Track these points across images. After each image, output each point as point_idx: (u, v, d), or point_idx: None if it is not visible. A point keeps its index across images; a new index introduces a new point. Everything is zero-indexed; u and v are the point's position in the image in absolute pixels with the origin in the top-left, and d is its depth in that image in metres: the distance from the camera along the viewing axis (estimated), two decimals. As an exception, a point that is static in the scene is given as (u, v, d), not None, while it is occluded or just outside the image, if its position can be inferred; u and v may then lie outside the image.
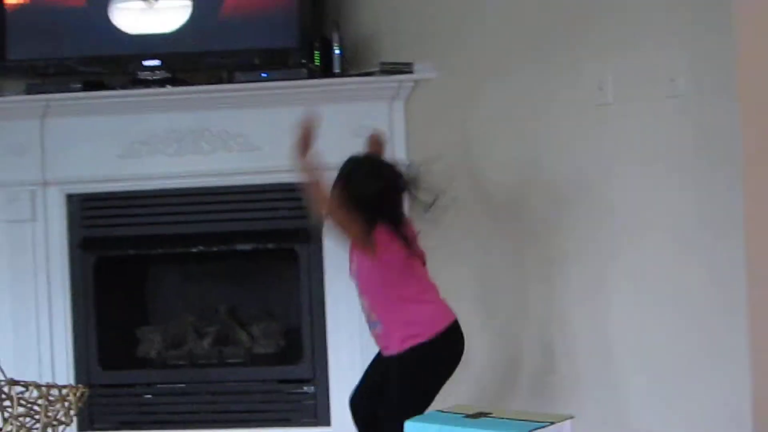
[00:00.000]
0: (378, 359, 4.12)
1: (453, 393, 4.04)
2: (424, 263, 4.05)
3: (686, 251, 4.12)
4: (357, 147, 4.83)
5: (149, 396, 5.29)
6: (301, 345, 5.17)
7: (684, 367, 4.16)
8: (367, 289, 4.01)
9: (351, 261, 4.05)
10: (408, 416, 3.87)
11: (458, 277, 4.79)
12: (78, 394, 1.97)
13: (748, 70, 3.86)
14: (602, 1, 4.35)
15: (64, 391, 1.96)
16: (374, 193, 3.93)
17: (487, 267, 4.91)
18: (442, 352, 3.98)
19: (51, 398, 1.94)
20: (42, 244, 5.18)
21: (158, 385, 5.30)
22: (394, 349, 3.96)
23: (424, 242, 4.08)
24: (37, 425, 1.93)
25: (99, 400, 5.00)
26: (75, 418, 2.85)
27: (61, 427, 1.95)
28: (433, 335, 3.92)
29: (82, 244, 5.21)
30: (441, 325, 3.94)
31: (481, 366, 4.88)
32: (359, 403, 4.12)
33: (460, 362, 4.00)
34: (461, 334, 3.99)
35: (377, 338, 4.05)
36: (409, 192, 3.98)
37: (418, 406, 3.88)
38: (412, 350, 3.92)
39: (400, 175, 4.01)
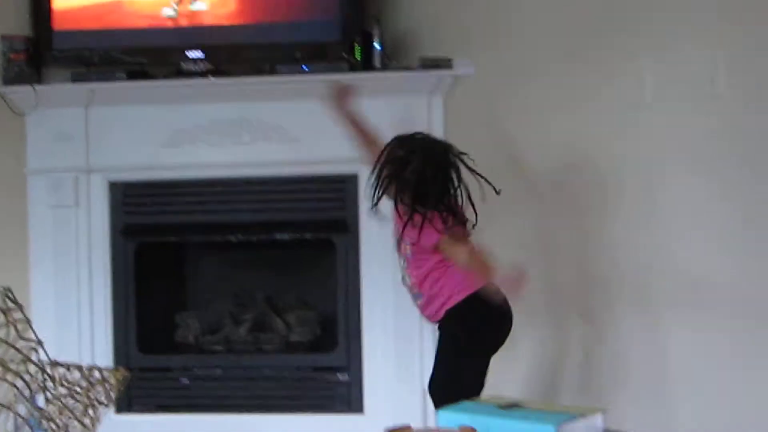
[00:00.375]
0: None
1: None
2: (465, 226, 4.03)
3: (731, 253, 4.11)
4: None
5: (186, 380, 5.32)
6: (336, 334, 5.20)
7: (729, 375, 4.15)
8: (415, 266, 4.03)
9: (400, 237, 4.06)
10: (457, 384, 3.92)
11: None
12: (119, 376, 1.99)
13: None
14: (643, 0, 4.34)
15: (106, 374, 1.98)
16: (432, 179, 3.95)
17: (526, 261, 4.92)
18: (479, 311, 3.95)
19: (92, 380, 1.96)
20: (84, 229, 5.21)
21: (195, 370, 5.33)
22: (435, 319, 4.04)
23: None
24: (79, 406, 1.94)
25: (137, 383, 5.02)
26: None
27: (101, 408, 1.97)
28: (466, 295, 3.93)
29: (124, 230, 5.24)
30: (474, 287, 3.93)
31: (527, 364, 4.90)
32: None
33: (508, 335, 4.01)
34: (504, 298, 3.94)
35: (421, 309, 4.10)
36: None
37: (465, 371, 3.95)
38: (448, 314, 3.96)
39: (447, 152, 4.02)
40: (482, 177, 4.00)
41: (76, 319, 5.21)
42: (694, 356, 4.29)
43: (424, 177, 3.94)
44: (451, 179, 3.98)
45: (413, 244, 3.98)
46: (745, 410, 4.08)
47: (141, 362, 5.12)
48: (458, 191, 3.99)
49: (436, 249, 3.94)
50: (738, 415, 4.08)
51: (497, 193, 3.92)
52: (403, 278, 4.12)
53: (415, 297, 4.09)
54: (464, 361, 3.97)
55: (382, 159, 4.01)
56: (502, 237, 4.87)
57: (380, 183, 3.98)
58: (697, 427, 4.21)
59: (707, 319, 4.22)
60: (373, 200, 3.99)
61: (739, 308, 4.05)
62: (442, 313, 3.98)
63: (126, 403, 5.16)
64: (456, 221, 3.95)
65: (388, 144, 4.06)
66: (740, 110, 3.99)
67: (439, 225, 3.90)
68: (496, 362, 3.99)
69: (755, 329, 3.98)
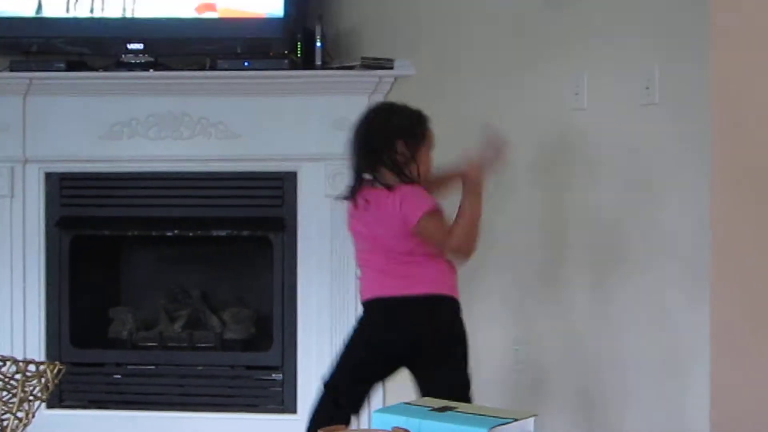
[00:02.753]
0: None
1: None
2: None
3: (658, 255, 4.15)
4: (335, 139, 4.87)
5: (119, 376, 5.31)
6: (272, 332, 5.21)
7: (646, 371, 4.19)
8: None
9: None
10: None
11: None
12: (55, 370, 2.00)
13: (721, 80, 3.91)
14: (580, 5, 4.37)
15: (42, 367, 1.99)
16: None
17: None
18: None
19: (29, 373, 1.96)
20: (19, 221, 5.18)
21: (128, 366, 5.32)
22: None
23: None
24: (14, 400, 1.95)
25: (69, 378, 4.97)
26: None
27: (36, 403, 1.98)
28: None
29: (59, 222, 5.22)
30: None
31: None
32: None
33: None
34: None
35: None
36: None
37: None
38: None
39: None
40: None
41: (8, 312, 5.17)
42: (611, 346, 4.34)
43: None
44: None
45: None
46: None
47: (73, 357, 5.06)
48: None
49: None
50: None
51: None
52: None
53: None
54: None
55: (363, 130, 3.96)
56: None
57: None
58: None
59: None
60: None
61: (671, 309, 4.11)
62: None
63: (57, 398, 5.13)
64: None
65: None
66: (674, 117, 4.03)
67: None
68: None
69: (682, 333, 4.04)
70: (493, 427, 2.08)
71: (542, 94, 4.55)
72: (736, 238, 3.97)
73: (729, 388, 3.92)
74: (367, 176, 3.91)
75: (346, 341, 4.00)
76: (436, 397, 3.70)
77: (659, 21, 4.07)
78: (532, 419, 2.17)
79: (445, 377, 3.83)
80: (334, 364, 4.01)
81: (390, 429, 2.01)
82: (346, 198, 3.95)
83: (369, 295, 3.95)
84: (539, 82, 4.56)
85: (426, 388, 3.78)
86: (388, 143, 3.87)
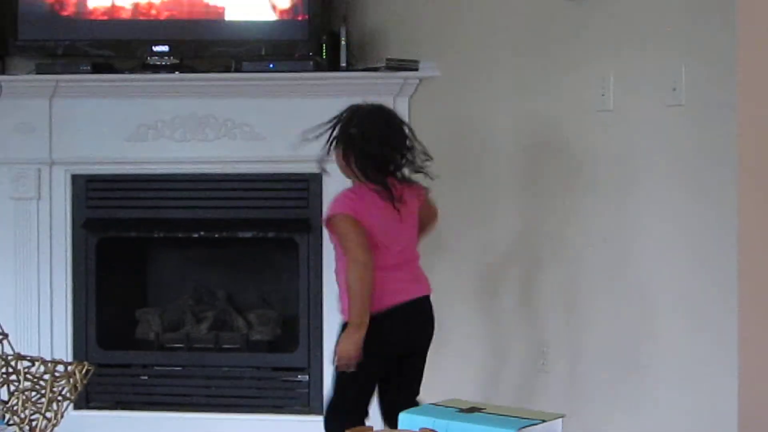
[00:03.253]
0: None
1: (451, 384, 4.07)
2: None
3: (683, 256, 4.13)
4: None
5: (145, 377, 5.34)
6: (297, 334, 5.22)
7: (673, 380, 4.17)
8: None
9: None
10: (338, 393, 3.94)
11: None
12: (83, 370, 2.01)
13: (748, 81, 3.89)
14: (606, 7, 4.36)
15: (70, 368, 2.00)
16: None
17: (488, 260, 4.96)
18: (378, 331, 3.90)
19: (57, 374, 1.98)
20: (46, 222, 5.21)
21: (155, 367, 5.35)
22: (343, 316, 3.99)
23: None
24: (42, 400, 1.96)
25: (96, 379, 4.96)
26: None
27: (65, 403, 1.99)
28: (378, 310, 3.89)
29: (86, 224, 5.24)
30: (391, 302, 3.92)
31: (476, 359, 4.95)
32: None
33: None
34: (410, 315, 3.97)
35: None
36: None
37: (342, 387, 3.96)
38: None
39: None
40: (426, 154, 4.00)
41: (35, 313, 5.20)
42: (640, 347, 4.31)
43: (375, 141, 3.89)
44: (395, 147, 3.94)
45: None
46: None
47: (100, 358, 5.09)
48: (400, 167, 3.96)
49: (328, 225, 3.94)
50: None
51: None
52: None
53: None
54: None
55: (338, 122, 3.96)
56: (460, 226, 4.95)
57: (334, 141, 3.94)
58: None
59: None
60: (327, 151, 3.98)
61: (698, 310, 4.08)
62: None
63: (84, 399, 5.15)
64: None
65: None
66: (701, 120, 4.01)
67: (363, 196, 3.87)
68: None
69: (710, 335, 4.01)
70: (521, 428, 2.08)
71: (568, 95, 4.54)
72: (764, 240, 3.95)
73: (757, 392, 3.91)
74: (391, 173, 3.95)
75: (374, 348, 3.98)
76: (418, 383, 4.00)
77: (686, 21, 4.06)
78: (560, 420, 2.17)
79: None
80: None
81: (417, 430, 2.01)
82: (386, 196, 3.91)
83: (418, 294, 3.98)
84: (565, 84, 4.54)
85: (417, 378, 4.06)
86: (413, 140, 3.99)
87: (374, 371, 3.99)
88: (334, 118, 3.96)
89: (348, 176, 3.98)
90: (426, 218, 4.15)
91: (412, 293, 3.98)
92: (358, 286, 3.84)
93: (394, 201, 3.88)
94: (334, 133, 3.93)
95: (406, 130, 4.00)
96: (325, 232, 4.36)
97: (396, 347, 4.00)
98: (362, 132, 3.90)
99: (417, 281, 4.02)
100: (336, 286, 4.06)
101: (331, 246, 4.17)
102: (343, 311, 4.00)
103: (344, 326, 3.97)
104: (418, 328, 4.04)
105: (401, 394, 3.98)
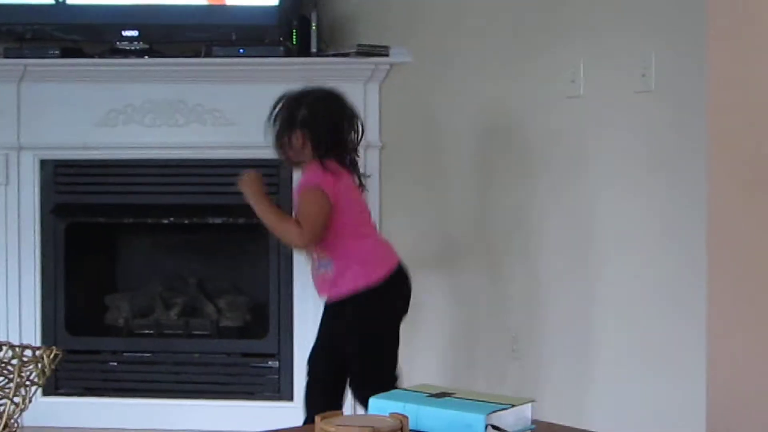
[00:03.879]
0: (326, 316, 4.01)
1: (421, 369, 4.05)
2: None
3: (653, 240, 4.15)
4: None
5: (115, 363, 5.33)
6: (267, 320, 5.22)
7: (641, 363, 4.19)
8: None
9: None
10: (382, 365, 3.87)
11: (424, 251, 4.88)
12: (51, 355, 2.00)
13: (717, 67, 3.91)
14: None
15: (38, 353, 1.99)
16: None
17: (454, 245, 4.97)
18: (392, 292, 3.86)
19: (25, 359, 1.97)
20: (14, 208, 5.19)
21: (124, 353, 5.34)
22: (344, 289, 3.81)
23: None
24: (10, 385, 1.96)
25: (64, 365, 4.95)
26: (43, 382, 2.87)
27: (33, 388, 1.98)
28: (386, 274, 3.83)
29: (54, 209, 5.22)
30: (392, 263, 3.87)
31: (445, 345, 4.96)
32: (318, 364, 4.01)
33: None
34: (407, 274, 3.92)
35: (324, 281, 3.87)
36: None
37: (386, 351, 3.88)
38: (367, 289, 3.79)
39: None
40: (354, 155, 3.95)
41: (3, 299, 5.19)
42: (609, 340, 4.32)
43: (331, 118, 3.86)
44: (346, 127, 3.90)
45: None
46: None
47: (69, 344, 5.05)
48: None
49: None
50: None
51: (363, 185, 3.94)
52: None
53: (323, 266, 3.86)
54: (382, 339, 3.93)
55: (280, 105, 3.91)
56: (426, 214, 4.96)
57: (284, 126, 3.88)
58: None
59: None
60: (277, 147, 3.94)
61: (661, 300, 4.10)
62: (360, 285, 3.82)
63: (53, 386, 5.15)
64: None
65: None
66: (669, 105, 4.03)
67: (318, 173, 3.78)
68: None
69: (675, 323, 4.03)
70: (491, 413, 2.08)
71: (539, 81, 4.54)
72: (733, 227, 3.97)
73: (726, 375, 3.93)
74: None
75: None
76: None
77: (656, 7, 4.07)
78: (529, 405, 2.18)
79: None
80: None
81: (387, 414, 2.01)
82: (356, 174, 3.92)
83: (398, 259, 3.93)
84: (536, 70, 4.55)
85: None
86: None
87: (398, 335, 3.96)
88: (278, 102, 3.92)
89: (305, 158, 3.88)
90: None
91: (396, 257, 3.92)
92: (284, 238, 3.90)
93: (359, 175, 3.90)
94: (283, 117, 3.89)
95: (357, 112, 3.97)
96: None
97: (404, 309, 3.98)
98: (319, 110, 3.86)
99: (390, 250, 3.95)
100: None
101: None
102: (340, 286, 3.83)
103: (328, 308, 3.92)
104: (406, 289, 3.98)
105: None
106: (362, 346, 3.89)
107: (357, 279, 3.82)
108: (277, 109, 3.91)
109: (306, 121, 3.85)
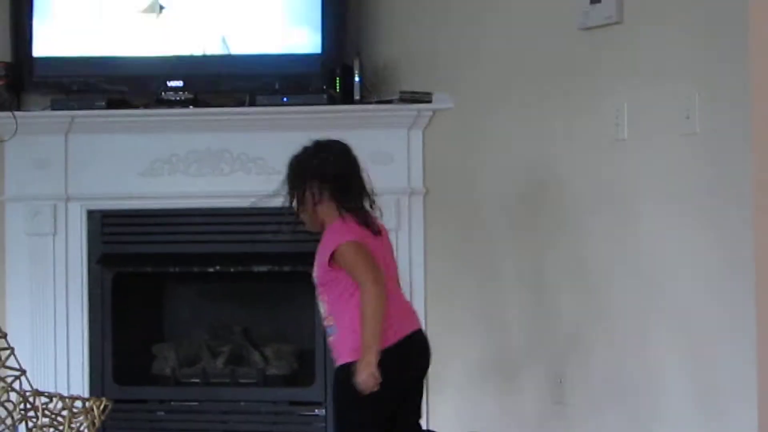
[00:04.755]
0: None
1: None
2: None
3: (699, 285, 4.13)
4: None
5: (162, 413, 5.34)
6: (314, 368, 5.20)
7: (690, 398, 4.16)
8: (324, 289, 3.84)
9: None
10: None
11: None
12: (101, 406, 2.03)
13: (762, 108, 3.90)
14: (619, 38, 4.38)
15: (88, 404, 2.02)
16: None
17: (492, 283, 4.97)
18: (390, 368, 3.63)
19: (75, 410, 2.00)
20: (62, 258, 5.24)
21: (171, 402, 5.35)
22: (342, 359, 3.70)
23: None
24: (60, 436, 1.98)
25: (113, 415, 5.00)
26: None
27: (82, 439, 2.01)
28: (393, 342, 3.67)
29: (101, 259, 5.27)
30: (393, 338, 3.69)
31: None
32: None
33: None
34: (422, 347, 3.81)
35: (332, 346, 3.79)
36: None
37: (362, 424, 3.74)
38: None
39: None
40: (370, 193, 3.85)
41: (52, 349, 5.21)
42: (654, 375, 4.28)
43: (343, 168, 3.79)
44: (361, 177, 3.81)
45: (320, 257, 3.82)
46: None
47: (116, 394, 5.02)
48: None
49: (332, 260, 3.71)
50: None
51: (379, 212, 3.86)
52: (321, 309, 3.88)
53: (330, 331, 3.80)
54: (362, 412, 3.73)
55: (294, 162, 3.86)
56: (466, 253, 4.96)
57: (297, 181, 3.82)
58: None
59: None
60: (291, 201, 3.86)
61: (713, 341, 4.08)
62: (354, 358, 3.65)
63: (101, 435, 5.17)
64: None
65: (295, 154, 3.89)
66: (714, 148, 4.03)
67: (353, 227, 3.70)
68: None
69: (728, 364, 4.01)
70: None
71: (583, 124, 4.55)
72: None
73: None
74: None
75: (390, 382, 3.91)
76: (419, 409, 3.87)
77: (699, 49, 4.08)
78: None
79: None
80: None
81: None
82: (370, 229, 3.79)
83: (412, 328, 3.82)
84: (579, 115, 4.56)
85: (418, 405, 3.91)
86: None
87: (387, 405, 3.91)
88: (289, 168, 3.88)
89: (321, 217, 3.84)
90: None
91: (407, 328, 3.79)
92: (374, 306, 3.59)
93: (372, 228, 3.77)
94: (296, 176, 3.84)
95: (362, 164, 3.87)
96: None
97: (401, 386, 3.90)
98: (331, 163, 3.79)
99: (409, 314, 3.87)
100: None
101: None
102: (340, 354, 3.75)
103: (340, 370, 3.77)
104: (417, 363, 3.88)
105: (405, 421, 3.96)
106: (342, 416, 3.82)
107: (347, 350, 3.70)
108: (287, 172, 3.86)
109: (319, 175, 3.79)
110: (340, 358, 3.74)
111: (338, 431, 3.86)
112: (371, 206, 3.83)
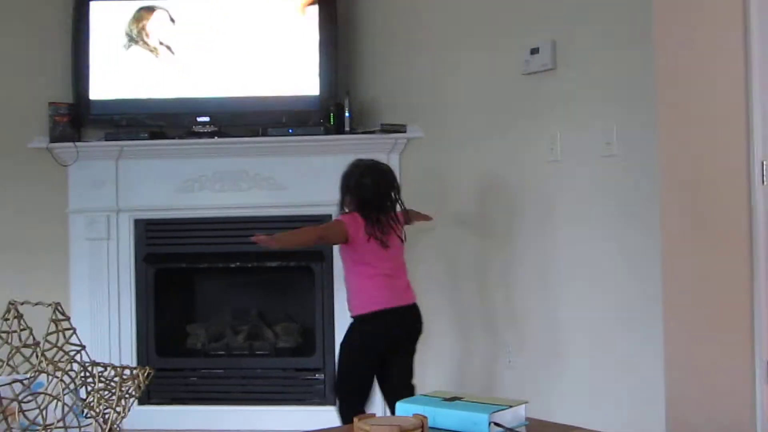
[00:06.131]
0: None
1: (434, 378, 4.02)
2: (386, 247, 3.99)
3: (616, 270, 4.13)
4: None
5: (194, 378, 5.31)
6: (315, 341, 5.20)
7: (604, 366, 4.15)
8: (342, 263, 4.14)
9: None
10: (340, 382, 3.98)
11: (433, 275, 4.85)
12: (145, 373, 2.00)
13: (666, 135, 3.91)
14: (553, 81, 4.38)
15: (135, 372, 1.99)
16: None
17: (456, 270, 4.95)
18: (362, 333, 3.98)
19: (124, 377, 1.97)
20: (114, 258, 5.21)
21: (202, 370, 5.32)
22: (351, 311, 4.06)
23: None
24: (113, 398, 1.96)
25: (155, 380, 4.94)
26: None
27: (131, 400, 1.98)
28: (370, 312, 3.95)
29: (145, 258, 5.24)
30: (380, 305, 3.94)
31: (452, 356, 4.92)
32: None
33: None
34: (399, 319, 3.98)
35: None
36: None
37: (342, 376, 3.98)
38: (356, 317, 4.01)
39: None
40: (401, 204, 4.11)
41: (107, 330, 5.19)
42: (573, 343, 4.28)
43: (364, 185, 3.99)
44: (387, 193, 4.02)
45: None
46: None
47: (158, 364, 5.06)
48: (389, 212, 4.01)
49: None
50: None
51: (383, 241, 3.96)
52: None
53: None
54: (345, 364, 4.09)
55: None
56: (436, 248, 4.93)
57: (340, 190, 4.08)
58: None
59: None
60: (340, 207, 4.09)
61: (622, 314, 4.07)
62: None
63: (146, 397, 5.14)
64: (370, 231, 3.93)
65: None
66: (628, 166, 4.03)
67: (354, 216, 3.95)
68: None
69: (634, 334, 4.00)
70: (493, 413, 2.07)
71: (524, 149, 4.54)
72: (681, 257, 3.96)
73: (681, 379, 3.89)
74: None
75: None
76: (410, 371, 4.04)
77: (616, 89, 4.08)
78: (524, 406, 2.16)
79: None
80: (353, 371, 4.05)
81: (411, 415, 2.00)
82: (370, 228, 3.99)
83: (397, 304, 3.99)
84: (522, 140, 4.55)
85: (407, 368, 4.08)
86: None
87: (364, 364, 4.01)
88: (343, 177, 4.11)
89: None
90: (412, 218, 4.36)
91: (392, 303, 3.96)
92: (299, 235, 4.04)
93: (376, 232, 3.94)
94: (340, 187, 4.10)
95: (391, 177, 4.09)
96: (336, 258, 4.41)
97: (378, 347, 3.99)
98: (354, 181, 4.03)
99: (397, 293, 4.00)
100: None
101: (340, 271, 4.19)
102: (350, 308, 4.06)
103: (354, 322, 3.99)
104: (399, 332, 4.03)
105: (397, 380, 3.99)
106: (339, 357, 4.11)
107: (353, 307, 4.01)
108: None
109: (341, 186, 4.07)
110: (350, 308, 4.06)
111: (338, 364, 4.13)
112: (394, 219, 4.04)
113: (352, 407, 3.84)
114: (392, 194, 4.05)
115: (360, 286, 3.98)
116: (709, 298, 4.05)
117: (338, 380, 4.07)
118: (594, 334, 4.21)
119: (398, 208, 4.11)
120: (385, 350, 4.01)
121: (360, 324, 3.98)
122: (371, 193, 3.99)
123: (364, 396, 4.01)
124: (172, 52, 5.15)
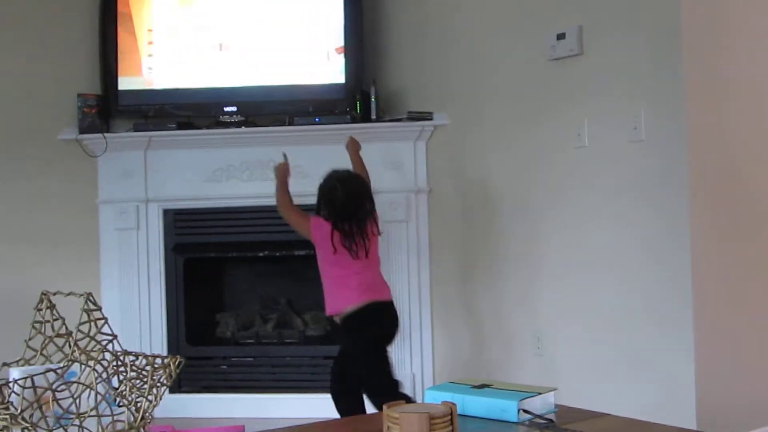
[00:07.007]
0: None
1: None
2: (356, 257, 4.05)
3: (642, 260, 4.11)
4: (389, 176, 4.89)
5: (224, 366, 5.34)
6: (342, 329, 5.20)
7: (632, 354, 4.13)
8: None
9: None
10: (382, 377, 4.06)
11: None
12: (176, 362, 2.02)
13: (695, 120, 3.89)
14: (580, 66, 4.36)
15: (166, 361, 2.01)
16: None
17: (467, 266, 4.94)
18: (351, 325, 4.06)
19: (156, 365, 1.98)
20: (144, 247, 5.24)
21: (232, 358, 5.35)
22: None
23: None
24: (145, 386, 1.97)
25: (185, 369, 4.95)
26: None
27: (163, 388, 2.00)
28: (339, 311, 4.07)
29: (174, 248, 5.26)
30: (346, 305, 4.04)
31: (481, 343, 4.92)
32: None
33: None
34: (369, 316, 4.03)
35: None
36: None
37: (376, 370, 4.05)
38: (330, 316, 4.18)
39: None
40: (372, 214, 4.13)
41: (137, 319, 5.22)
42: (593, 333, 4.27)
43: (336, 197, 4.07)
44: (359, 204, 4.06)
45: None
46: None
47: (188, 352, 5.10)
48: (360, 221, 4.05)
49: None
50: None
51: (350, 249, 4.04)
52: None
53: None
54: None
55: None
56: (451, 239, 4.92)
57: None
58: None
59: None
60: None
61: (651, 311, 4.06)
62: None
63: (177, 385, 5.17)
64: (341, 242, 4.02)
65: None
66: (657, 151, 4.00)
67: (319, 219, 4.07)
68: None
69: (665, 325, 3.98)
70: (522, 399, 2.07)
71: (550, 135, 4.53)
72: (710, 248, 3.93)
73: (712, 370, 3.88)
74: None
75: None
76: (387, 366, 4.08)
77: (643, 73, 4.05)
78: (552, 393, 2.16)
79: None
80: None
81: (440, 402, 2.00)
82: (335, 235, 4.09)
83: (370, 299, 4.07)
84: (548, 126, 4.54)
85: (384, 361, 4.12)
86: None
87: (340, 357, 4.22)
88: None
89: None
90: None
91: (363, 299, 4.03)
92: (277, 198, 4.34)
93: (345, 242, 4.04)
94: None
95: (363, 189, 4.15)
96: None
97: (373, 333, 4.08)
98: (327, 192, 4.14)
99: (369, 290, 4.06)
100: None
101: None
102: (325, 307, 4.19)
103: (342, 320, 4.09)
104: (376, 326, 4.10)
105: (372, 373, 4.10)
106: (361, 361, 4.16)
107: (327, 305, 4.15)
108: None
109: (317, 196, 4.21)
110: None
111: (367, 366, 4.17)
112: (363, 230, 4.08)
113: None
114: (365, 205, 4.06)
115: (328, 284, 4.10)
116: (738, 285, 4.03)
117: (380, 377, 4.07)
118: (622, 321, 4.19)
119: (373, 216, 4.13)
120: (375, 342, 4.08)
121: (344, 322, 4.05)
122: (342, 204, 4.04)
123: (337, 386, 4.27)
124: (200, 43, 5.16)
